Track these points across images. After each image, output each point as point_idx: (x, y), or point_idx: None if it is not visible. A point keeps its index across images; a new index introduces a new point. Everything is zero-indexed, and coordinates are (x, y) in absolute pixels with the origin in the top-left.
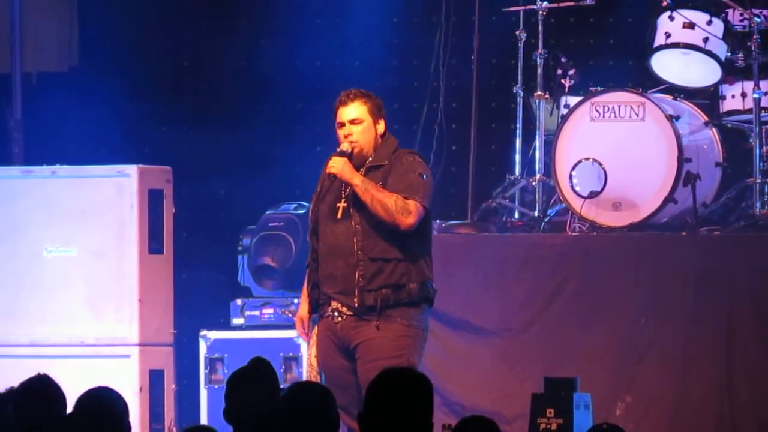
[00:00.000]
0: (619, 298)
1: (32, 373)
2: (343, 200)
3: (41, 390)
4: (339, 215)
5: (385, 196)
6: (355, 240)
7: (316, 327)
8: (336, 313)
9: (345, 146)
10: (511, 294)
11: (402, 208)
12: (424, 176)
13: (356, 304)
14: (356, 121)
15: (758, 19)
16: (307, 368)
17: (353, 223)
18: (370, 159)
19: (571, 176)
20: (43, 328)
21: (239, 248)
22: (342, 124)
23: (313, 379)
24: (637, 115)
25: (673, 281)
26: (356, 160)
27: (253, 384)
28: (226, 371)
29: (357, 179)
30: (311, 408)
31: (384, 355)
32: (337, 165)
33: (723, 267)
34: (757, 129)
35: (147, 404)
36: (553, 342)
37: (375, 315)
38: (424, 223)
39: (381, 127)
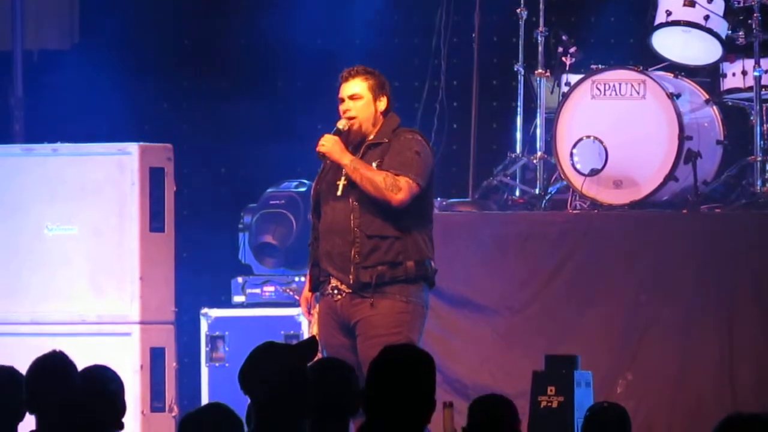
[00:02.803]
0: (620, 275)
1: (33, 351)
2: (343, 178)
3: (57, 366)
4: (339, 192)
5: (375, 174)
6: (352, 217)
7: (317, 305)
8: (335, 291)
9: (341, 124)
10: (512, 272)
11: (392, 185)
12: (421, 154)
13: (351, 281)
14: (355, 96)
15: None
16: None
17: (351, 200)
18: (371, 137)
19: (572, 154)
20: (44, 306)
21: (240, 226)
22: (342, 100)
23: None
24: (638, 93)
25: (674, 259)
26: (355, 136)
27: (272, 357)
28: (227, 349)
29: (346, 159)
30: (337, 384)
31: (383, 332)
32: (326, 144)
33: (724, 245)
34: (758, 107)
35: (148, 382)
36: (554, 320)
37: (375, 292)
38: (422, 201)
39: (382, 104)
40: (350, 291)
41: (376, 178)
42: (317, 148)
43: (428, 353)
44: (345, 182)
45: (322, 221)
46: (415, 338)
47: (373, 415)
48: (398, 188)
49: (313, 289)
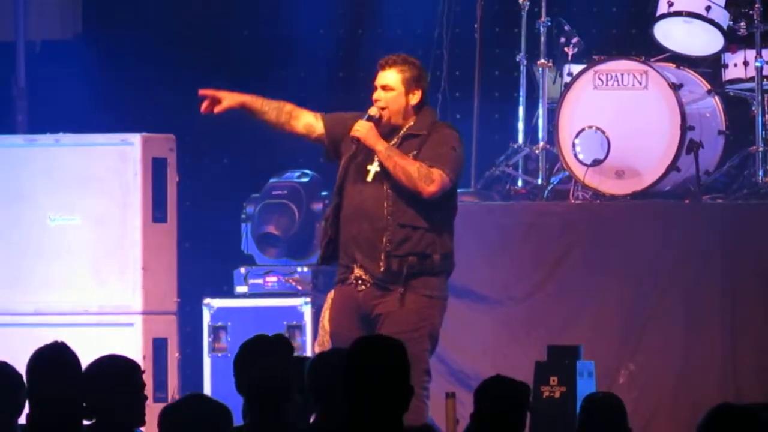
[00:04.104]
0: (623, 266)
1: (35, 342)
2: (375, 163)
3: (58, 357)
4: (369, 178)
5: (408, 163)
6: (385, 204)
7: (332, 291)
8: (359, 282)
9: (373, 111)
10: (515, 262)
11: (425, 176)
12: (457, 150)
13: (381, 268)
14: (387, 88)
15: None
16: (320, 331)
17: (385, 187)
18: (409, 126)
19: (574, 144)
20: (46, 297)
21: (243, 216)
22: (375, 88)
23: (325, 342)
24: (640, 84)
25: (676, 249)
26: (383, 127)
27: (265, 354)
28: (229, 339)
29: (380, 145)
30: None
31: (406, 328)
32: (361, 129)
33: (726, 235)
34: (760, 97)
35: (150, 373)
36: (557, 310)
37: (400, 284)
38: (451, 195)
39: (414, 98)
40: (374, 282)
41: (409, 167)
42: (351, 133)
43: (399, 340)
44: (378, 169)
45: (347, 203)
46: (436, 332)
47: (353, 408)
48: (431, 180)
49: (325, 263)
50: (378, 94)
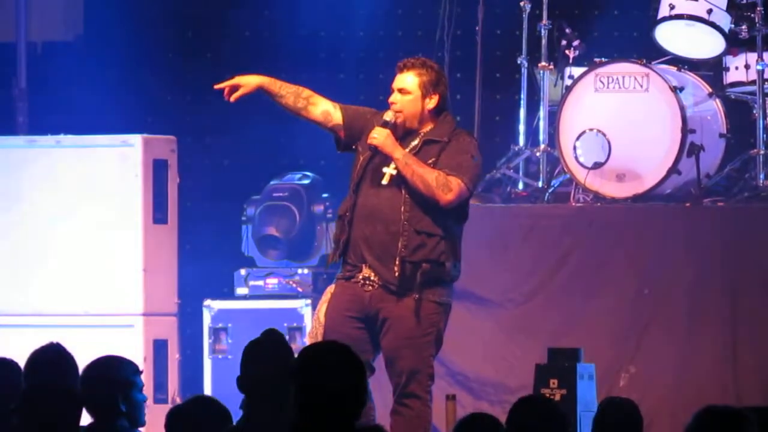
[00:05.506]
0: (623, 268)
1: (36, 344)
2: (392, 167)
3: (54, 358)
4: (385, 181)
5: (426, 171)
6: (402, 209)
7: (332, 286)
8: (366, 282)
9: (388, 116)
10: (515, 264)
11: (443, 185)
12: (476, 159)
13: (396, 273)
14: (404, 91)
15: None
16: (314, 323)
17: (403, 191)
18: (428, 131)
19: (575, 147)
20: (47, 298)
21: (243, 218)
22: (392, 91)
23: (318, 334)
24: (642, 86)
25: (676, 252)
26: (398, 129)
27: (269, 354)
28: (229, 341)
29: (398, 153)
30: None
31: (414, 334)
32: (379, 137)
33: (726, 238)
34: (761, 100)
35: (151, 374)
36: (557, 312)
37: (413, 290)
38: (466, 205)
39: (431, 102)
40: (382, 285)
41: (427, 176)
42: (368, 141)
43: (347, 347)
44: (394, 172)
45: (361, 204)
46: (442, 337)
47: (303, 417)
48: (449, 188)
49: (337, 260)
50: (394, 97)
